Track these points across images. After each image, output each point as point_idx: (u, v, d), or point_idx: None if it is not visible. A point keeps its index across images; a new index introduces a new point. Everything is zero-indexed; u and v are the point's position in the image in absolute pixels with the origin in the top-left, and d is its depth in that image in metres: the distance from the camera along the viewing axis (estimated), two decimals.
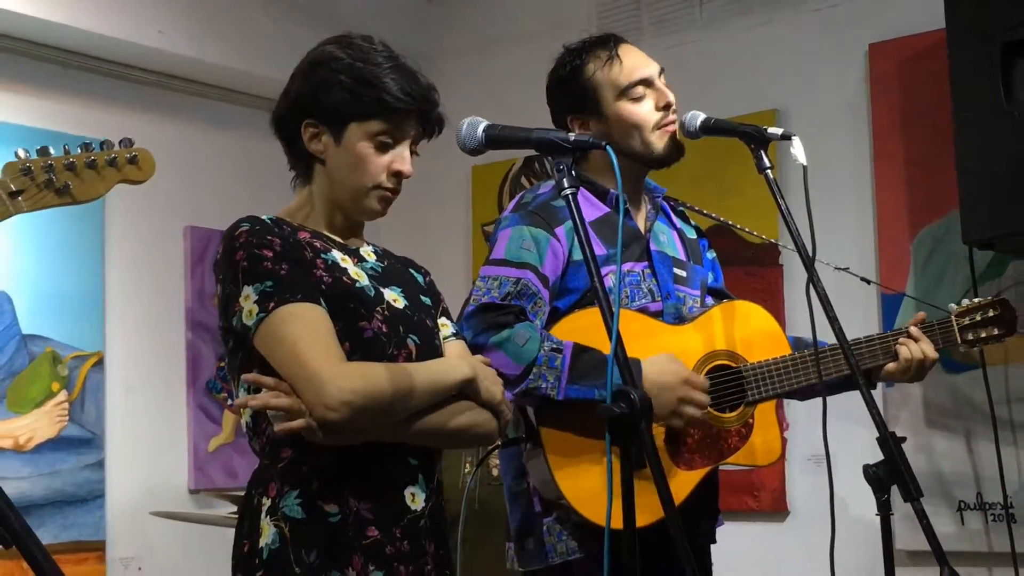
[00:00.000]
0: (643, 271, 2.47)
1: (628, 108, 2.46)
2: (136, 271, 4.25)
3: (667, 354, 2.33)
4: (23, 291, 3.89)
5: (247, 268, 1.90)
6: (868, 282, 3.00)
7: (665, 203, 2.65)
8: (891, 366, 2.54)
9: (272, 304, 1.87)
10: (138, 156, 1.94)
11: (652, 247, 2.50)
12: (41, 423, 3.89)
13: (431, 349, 2.04)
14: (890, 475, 2.20)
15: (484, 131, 1.95)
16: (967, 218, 3.10)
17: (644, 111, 2.47)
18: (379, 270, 2.07)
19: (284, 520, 1.89)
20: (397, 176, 2.03)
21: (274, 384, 1.85)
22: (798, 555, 3.82)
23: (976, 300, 2.69)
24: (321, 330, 1.88)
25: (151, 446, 4.22)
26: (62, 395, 3.95)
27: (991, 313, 2.66)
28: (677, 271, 2.53)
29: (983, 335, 2.66)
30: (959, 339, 2.64)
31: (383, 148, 2.02)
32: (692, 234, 2.68)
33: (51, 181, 1.83)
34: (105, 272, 4.14)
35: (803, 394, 2.62)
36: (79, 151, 1.87)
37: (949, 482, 3.64)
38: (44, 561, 1.13)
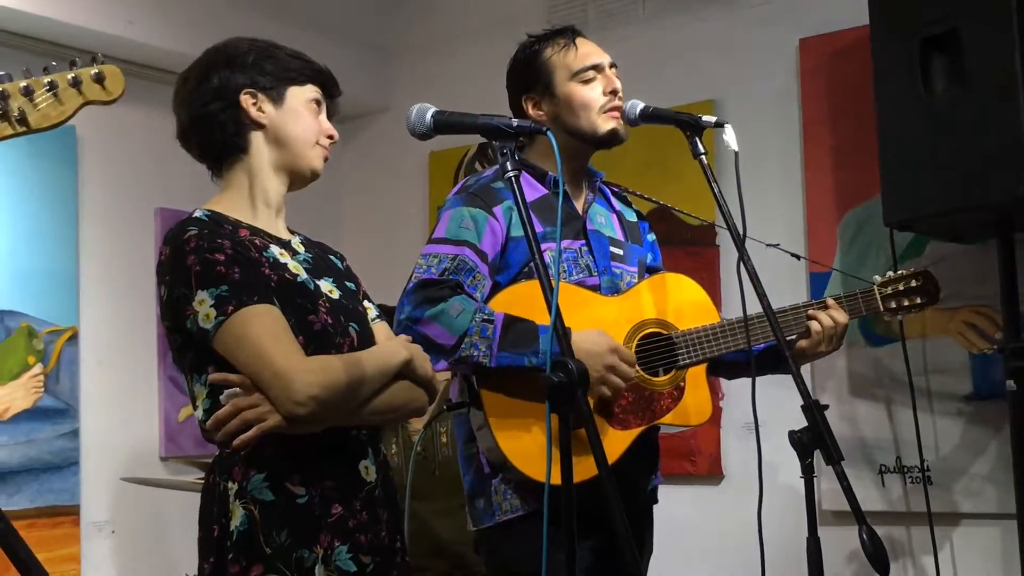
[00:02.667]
0: (580, 248, 2.48)
1: (578, 89, 2.48)
2: (109, 250, 4.20)
3: (598, 330, 2.34)
4: (0, 269, 3.83)
5: (200, 273, 1.86)
6: (798, 257, 3.01)
7: (606, 187, 2.66)
8: (803, 343, 2.52)
9: (231, 307, 1.84)
10: (104, 73, 1.64)
11: (589, 227, 2.52)
12: (18, 394, 3.84)
13: (368, 334, 2.05)
14: (813, 440, 2.22)
15: (432, 117, 1.95)
16: (888, 202, 3.12)
17: (592, 94, 2.49)
18: (311, 261, 2.06)
19: (254, 502, 1.87)
20: (330, 138, 2.09)
21: (239, 380, 1.83)
22: (733, 516, 3.83)
23: (900, 272, 2.68)
24: (280, 329, 1.86)
25: (123, 416, 4.18)
26: (38, 368, 3.90)
27: (914, 283, 2.66)
28: (614, 249, 2.54)
29: (906, 303, 2.65)
30: (881, 307, 2.63)
31: (316, 112, 2.08)
32: (632, 217, 2.69)
33: (5, 110, 1.56)
34: (79, 251, 4.08)
35: (729, 370, 2.64)
36: (40, 75, 1.59)
37: (871, 447, 3.67)
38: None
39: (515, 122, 1.89)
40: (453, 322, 2.25)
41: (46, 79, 1.59)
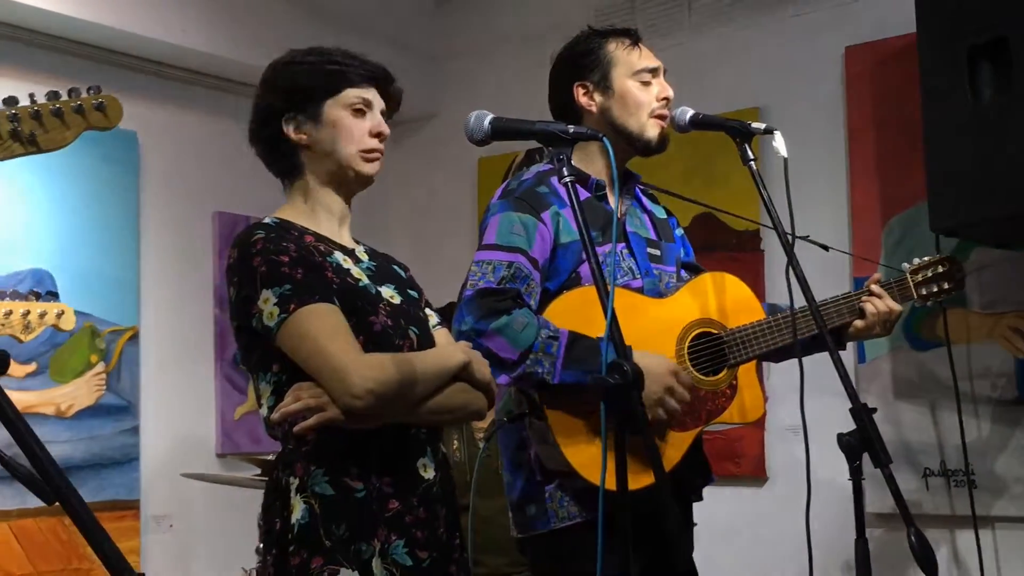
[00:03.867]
0: (622, 251, 2.47)
1: (636, 87, 2.49)
2: (168, 253, 4.25)
3: (660, 356, 2.32)
4: (64, 270, 3.90)
5: (265, 273, 1.90)
6: (826, 248, 2.98)
7: (636, 188, 2.65)
8: (858, 323, 2.56)
9: (293, 306, 1.87)
10: (105, 103, 1.76)
11: (628, 229, 2.50)
12: (81, 392, 3.90)
13: (428, 338, 2.06)
14: (861, 443, 2.19)
15: (490, 123, 1.95)
16: (935, 208, 3.09)
17: (648, 96, 2.49)
18: (373, 269, 2.08)
19: (314, 497, 1.89)
20: (378, 137, 2.07)
21: (295, 388, 1.87)
22: (776, 517, 3.83)
23: (926, 258, 2.69)
24: (340, 327, 1.89)
25: (182, 413, 4.23)
26: (100, 366, 3.96)
27: (940, 269, 2.67)
28: (651, 251, 2.52)
29: (935, 289, 2.67)
30: (915, 294, 2.65)
31: (360, 115, 2.06)
32: (661, 214, 2.67)
33: (17, 132, 1.65)
34: (140, 253, 4.14)
35: (779, 356, 2.62)
36: (45, 100, 1.70)
37: (915, 450, 3.64)
38: (84, 515, 1.13)
39: (571, 128, 1.89)
40: (518, 336, 2.21)
41: (52, 105, 1.69)
